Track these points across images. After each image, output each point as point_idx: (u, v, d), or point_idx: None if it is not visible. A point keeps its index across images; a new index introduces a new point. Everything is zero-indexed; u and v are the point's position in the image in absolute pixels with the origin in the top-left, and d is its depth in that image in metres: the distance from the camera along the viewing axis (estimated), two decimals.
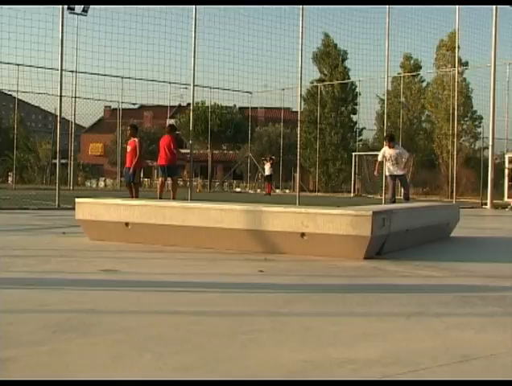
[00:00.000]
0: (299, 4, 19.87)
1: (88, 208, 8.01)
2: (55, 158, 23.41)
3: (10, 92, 33.02)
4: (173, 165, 15.43)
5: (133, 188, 15.05)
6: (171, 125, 16.61)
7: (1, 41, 22.15)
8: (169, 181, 16.39)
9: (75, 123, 37.06)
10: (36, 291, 4.43)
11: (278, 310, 3.98)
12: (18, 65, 26.04)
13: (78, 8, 32.76)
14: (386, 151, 15.93)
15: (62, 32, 15.58)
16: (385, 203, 16.02)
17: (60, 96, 15.79)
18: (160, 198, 14.36)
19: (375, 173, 17.21)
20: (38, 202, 16.54)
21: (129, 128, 15.78)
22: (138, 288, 4.66)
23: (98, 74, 29.47)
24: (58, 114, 16.30)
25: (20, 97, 33.22)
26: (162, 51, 40.62)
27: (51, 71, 20.34)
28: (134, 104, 37.27)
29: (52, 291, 4.45)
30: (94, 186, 48.66)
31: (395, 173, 15.81)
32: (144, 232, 7.58)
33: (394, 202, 15.19)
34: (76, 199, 8.20)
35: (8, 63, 25.17)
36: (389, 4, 22.93)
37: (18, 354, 2.83)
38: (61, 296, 4.25)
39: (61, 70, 15.79)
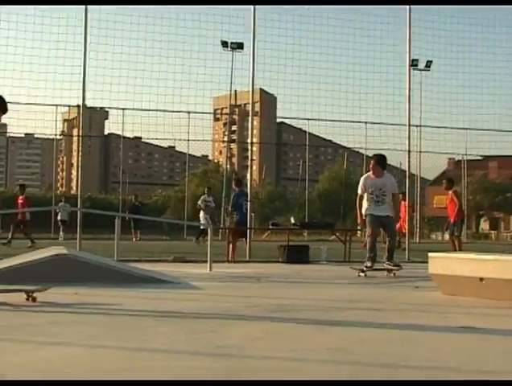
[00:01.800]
0: None
1: (441, 263, 8.00)
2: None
3: (357, 149, 34.51)
4: None
5: (454, 241, 14.95)
6: None
7: (352, 102, 23.28)
8: None
9: (420, 176, 37.45)
10: (401, 345, 4.53)
11: None
12: (366, 123, 27.19)
13: (421, 63, 33.42)
14: (369, 180, 10.80)
15: (409, 89, 16.02)
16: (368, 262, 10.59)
17: (409, 151, 16.14)
18: None
19: (359, 222, 11.09)
20: None
21: (444, 181, 15.53)
22: (496, 348, 4.53)
23: (445, 127, 29.46)
24: (406, 168, 16.64)
25: (367, 153, 34.57)
26: None
27: (399, 127, 20.91)
28: (481, 156, 36.52)
29: (415, 346, 4.52)
30: (440, 238, 48.30)
31: (380, 213, 10.59)
32: (498, 288, 7.33)
33: (373, 260, 10.50)
34: (429, 254, 8.24)
35: (358, 122, 26.39)
36: None
37: None
38: (423, 351, 4.29)
39: (409, 125, 16.14)
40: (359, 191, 10.86)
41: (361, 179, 11.00)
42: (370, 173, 10.90)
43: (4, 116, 6.70)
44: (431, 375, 3.58)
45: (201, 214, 23.80)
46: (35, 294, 6.39)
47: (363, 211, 10.72)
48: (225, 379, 3.38)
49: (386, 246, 10.79)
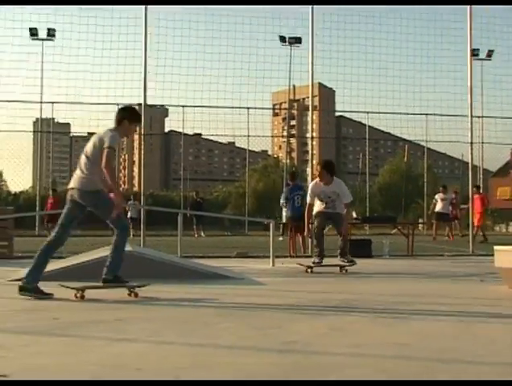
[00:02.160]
0: None
1: (506, 256, 7.86)
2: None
3: (418, 142, 34.09)
4: None
5: None
6: None
7: (413, 94, 23.05)
8: None
9: (483, 168, 36.82)
10: (467, 341, 4.49)
11: None
12: (427, 115, 26.82)
13: (482, 53, 32.80)
14: (318, 188, 10.09)
15: (471, 80, 15.76)
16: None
17: (471, 142, 15.84)
18: None
19: (305, 233, 10.80)
20: (450, 248, 16.67)
21: (510, 171, 15.18)
22: None
23: (507, 117, 28.85)
24: (469, 160, 16.34)
25: (428, 146, 34.15)
26: None
27: (461, 118, 20.55)
28: None
29: (481, 341, 4.47)
30: (504, 230, 47.41)
31: (328, 210, 10.02)
32: None
33: (321, 255, 9.97)
34: (495, 247, 8.12)
35: (419, 114, 26.07)
36: None
37: None
38: (490, 347, 4.23)
39: (471, 116, 15.85)
40: (308, 200, 10.27)
41: (309, 187, 10.37)
42: (318, 180, 10.13)
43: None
44: (500, 372, 3.53)
45: (284, 212, 23.87)
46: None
47: (313, 213, 10.18)
48: (289, 378, 3.40)
49: (338, 243, 10.26)
